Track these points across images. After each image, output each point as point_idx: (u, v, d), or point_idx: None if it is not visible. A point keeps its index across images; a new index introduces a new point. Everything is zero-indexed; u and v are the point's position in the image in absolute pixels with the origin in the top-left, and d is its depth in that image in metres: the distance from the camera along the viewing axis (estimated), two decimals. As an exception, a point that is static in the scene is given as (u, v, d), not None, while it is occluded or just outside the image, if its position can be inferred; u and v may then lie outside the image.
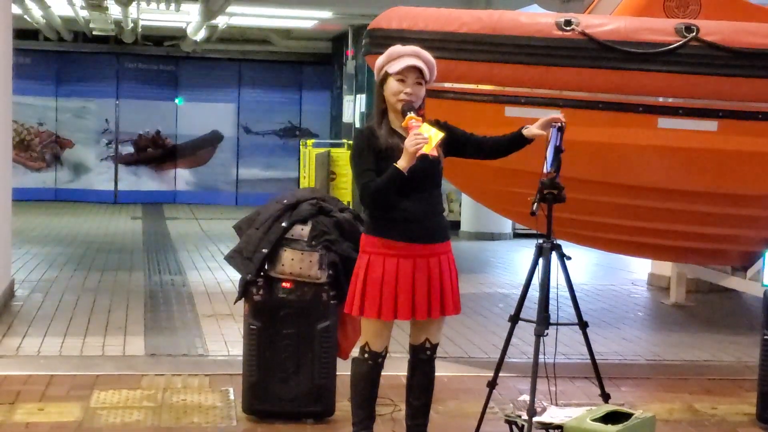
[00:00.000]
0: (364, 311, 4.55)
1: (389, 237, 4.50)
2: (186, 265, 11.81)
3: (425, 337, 4.73)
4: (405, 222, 4.49)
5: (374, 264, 4.51)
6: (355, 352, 5.09)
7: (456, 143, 4.69)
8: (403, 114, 4.43)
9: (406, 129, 4.42)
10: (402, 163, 4.35)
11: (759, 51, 7.10)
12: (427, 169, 4.48)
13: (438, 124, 4.60)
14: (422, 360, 4.78)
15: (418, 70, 4.49)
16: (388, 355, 4.73)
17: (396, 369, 6.51)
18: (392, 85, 4.48)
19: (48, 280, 10.29)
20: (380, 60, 4.56)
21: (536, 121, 4.81)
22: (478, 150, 4.81)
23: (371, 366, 4.64)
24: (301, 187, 17.79)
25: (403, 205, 4.47)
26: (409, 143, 4.31)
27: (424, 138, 4.32)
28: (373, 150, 4.46)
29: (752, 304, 9.89)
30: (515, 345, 6.34)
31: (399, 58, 4.51)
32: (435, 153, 4.40)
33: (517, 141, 4.79)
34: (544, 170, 4.99)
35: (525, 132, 4.77)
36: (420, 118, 4.40)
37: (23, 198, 17.96)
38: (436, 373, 6.59)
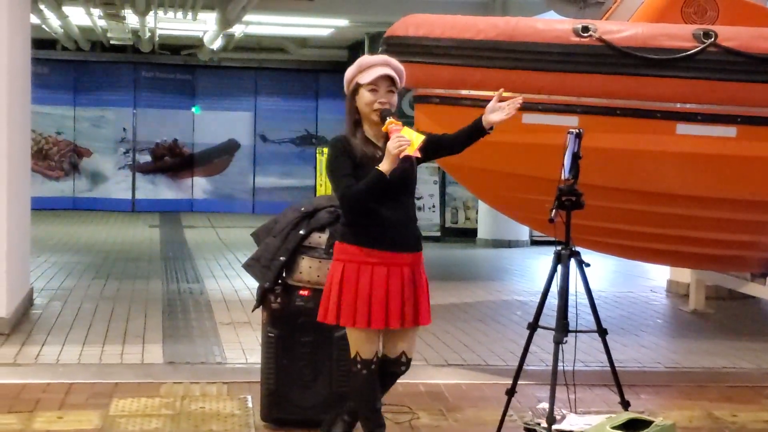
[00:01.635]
0: (340, 319, 4.52)
1: (364, 245, 4.46)
2: (203, 273, 11.83)
3: (401, 351, 4.67)
4: (381, 230, 4.46)
5: (349, 272, 4.48)
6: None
7: (430, 145, 4.59)
8: (383, 119, 4.42)
9: (384, 136, 4.41)
10: (384, 166, 4.32)
11: (777, 57, 7.08)
12: (406, 175, 4.46)
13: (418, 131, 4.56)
14: (395, 374, 4.73)
15: (389, 79, 4.49)
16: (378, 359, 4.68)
17: (415, 377, 6.52)
18: (365, 95, 4.48)
19: (66, 288, 10.32)
20: (350, 71, 4.57)
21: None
22: (438, 147, 4.69)
23: (367, 374, 4.60)
24: (317, 194, 17.82)
25: (379, 212, 4.45)
26: (392, 145, 4.29)
27: (407, 140, 4.31)
28: (350, 158, 4.45)
29: (772, 310, 9.86)
30: (534, 352, 6.32)
31: (370, 68, 4.50)
32: (418, 154, 4.38)
33: (475, 132, 4.65)
34: (562, 177, 4.98)
35: (483, 120, 4.61)
36: (400, 122, 4.39)
37: (42, 207, 18.04)
38: (455, 381, 6.63)
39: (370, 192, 4.38)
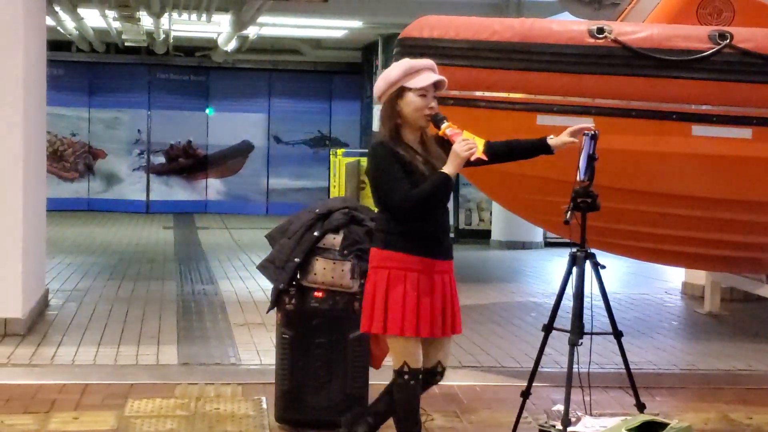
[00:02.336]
0: (387, 328, 4.43)
1: (410, 252, 4.40)
2: (217, 274, 11.85)
3: (438, 360, 4.61)
4: (425, 238, 4.42)
5: (395, 279, 4.40)
6: (387, 363, 5.09)
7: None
8: (437, 123, 4.39)
9: (422, 143, 4.40)
10: (449, 169, 4.29)
11: (794, 58, 7.05)
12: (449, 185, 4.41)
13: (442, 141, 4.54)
14: (430, 384, 4.66)
15: (434, 86, 4.46)
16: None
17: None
18: (413, 100, 4.39)
19: (81, 289, 10.35)
20: (394, 74, 4.44)
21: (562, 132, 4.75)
22: (493, 156, 4.63)
23: (414, 385, 4.49)
24: (331, 196, 17.83)
25: (426, 220, 4.42)
26: (460, 148, 4.25)
27: (474, 143, 4.29)
28: (399, 163, 4.37)
29: (787, 313, 9.82)
30: (549, 354, 6.30)
31: (418, 72, 4.43)
32: (485, 157, 4.35)
33: (535, 149, 4.75)
34: (578, 178, 4.97)
35: (551, 142, 4.70)
36: (455, 126, 4.37)
37: (57, 208, 18.09)
38: (469, 383, 6.63)
39: (433, 196, 4.34)
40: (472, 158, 4.28)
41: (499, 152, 4.69)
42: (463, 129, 4.40)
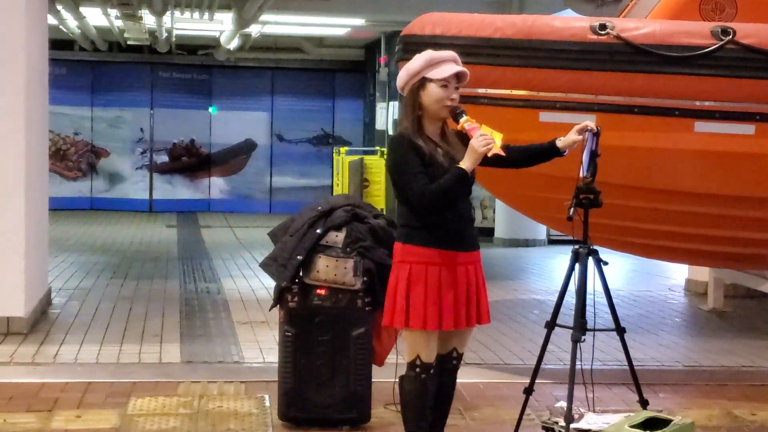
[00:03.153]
0: (409, 322, 4.41)
1: (431, 245, 4.39)
2: (221, 272, 11.85)
3: (453, 347, 4.63)
4: (445, 230, 4.40)
5: (416, 273, 4.39)
6: (390, 360, 5.09)
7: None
8: (456, 117, 4.38)
9: (441, 133, 4.38)
10: (467, 164, 4.27)
11: (796, 54, 7.03)
12: (471, 175, 4.41)
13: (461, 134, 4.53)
14: (447, 369, 4.65)
15: (457, 77, 4.44)
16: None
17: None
18: (434, 91, 4.38)
19: (84, 288, 10.35)
20: (416, 65, 4.43)
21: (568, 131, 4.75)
22: (506, 161, 4.63)
23: (424, 379, 4.49)
24: (334, 194, 17.82)
25: (447, 213, 4.40)
26: (478, 143, 4.24)
27: (491, 138, 4.26)
28: (418, 156, 4.35)
29: (791, 309, 9.81)
30: (552, 351, 6.30)
31: (440, 63, 4.42)
32: (502, 153, 4.32)
33: (547, 152, 4.74)
34: (580, 175, 4.96)
35: (559, 143, 4.70)
36: (474, 120, 4.36)
37: (59, 207, 18.11)
38: (472, 380, 6.62)
39: (452, 190, 4.32)
40: (489, 154, 4.26)
41: (514, 159, 4.69)
42: (481, 124, 4.38)
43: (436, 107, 4.40)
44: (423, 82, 4.41)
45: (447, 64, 4.42)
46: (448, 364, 4.65)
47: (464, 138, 4.44)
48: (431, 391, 4.56)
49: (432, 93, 4.40)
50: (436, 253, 4.39)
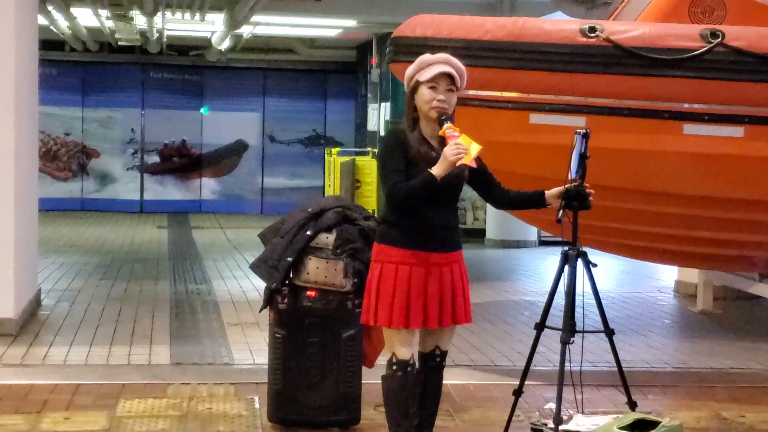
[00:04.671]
0: (377, 320, 4.51)
1: (402, 246, 4.47)
2: (211, 273, 11.84)
3: (435, 345, 4.68)
4: (419, 231, 4.46)
5: (386, 273, 4.48)
6: (380, 362, 5.10)
7: (480, 172, 4.64)
8: (440, 123, 4.40)
9: (440, 138, 4.40)
10: (437, 171, 4.31)
11: (785, 56, 7.05)
12: (452, 182, 4.46)
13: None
14: (432, 368, 4.71)
15: (449, 77, 4.47)
16: (416, 363, 4.65)
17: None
18: (424, 93, 4.45)
19: (74, 289, 10.33)
20: (411, 69, 4.54)
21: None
22: (490, 193, 4.79)
23: (401, 377, 4.55)
24: (325, 195, 17.82)
25: (421, 215, 4.45)
26: (449, 152, 4.27)
27: (464, 148, 4.28)
28: (403, 153, 4.44)
29: (780, 311, 9.83)
30: (541, 353, 6.31)
31: (430, 65, 4.49)
32: (473, 164, 4.36)
33: (532, 201, 4.80)
34: (569, 177, 4.97)
35: (547, 194, 4.75)
36: (458, 128, 4.37)
37: (50, 208, 18.08)
38: (462, 382, 6.62)
39: (418, 194, 4.37)
40: (458, 164, 4.28)
41: (498, 200, 4.83)
42: (462, 132, 4.38)
43: (425, 108, 4.45)
44: (416, 85, 4.49)
45: (434, 66, 4.47)
46: (431, 362, 4.69)
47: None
48: (411, 388, 4.60)
49: (422, 95, 4.47)
50: (407, 254, 4.46)
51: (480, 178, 4.70)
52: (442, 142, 4.45)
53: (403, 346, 4.55)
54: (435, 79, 4.44)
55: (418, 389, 4.70)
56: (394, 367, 4.55)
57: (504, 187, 4.79)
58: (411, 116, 4.53)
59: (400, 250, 4.47)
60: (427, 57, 4.54)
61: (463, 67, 4.57)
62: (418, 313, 4.46)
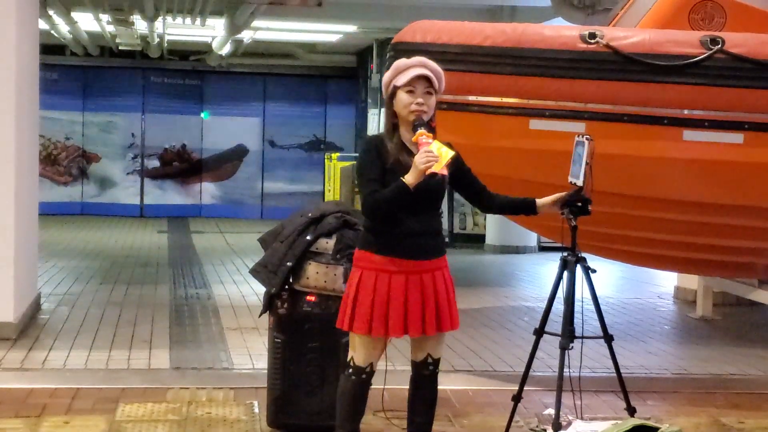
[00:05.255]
0: (354, 327, 4.48)
1: (382, 252, 4.43)
2: (211, 278, 11.84)
3: (427, 353, 4.63)
4: (400, 238, 4.42)
5: (366, 279, 4.45)
6: (379, 367, 5.09)
7: (461, 176, 4.63)
8: (414, 129, 4.38)
9: (416, 144, 4.38)
10: (409, 179, 4.27)
11: (785, 63, 7.06)
12: (431, 188, 4.41)
13: (449, 147, 4.52)
14: (425, 376, 4.67)
15: (426, 80, 4.43)
16: (374, 372, 4.63)
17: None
18: (402, 97, 4.43)
19: (74, 293, 10.33)
20: (387, 75, 4.52)
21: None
22: (475, 197, 4.76)
23: (354, 381, 4.55)
24: (325, 200, 17.82)
25: (401, 221, 4.41)
26: (419, 160, 4.24)
27: (435, 156, 4.23)
28: (381, 161, 4.41)
29: (780, 317, 9.83)
30: (540, 358, 6.31)
31: (406, 69, 4.46)
32: (444, 172, 4.29)
33: (523, 208, 4.79)
34: (570, 182, 4.98)
35: (538, 202, 4.75)
36: (431, 135, 4.33)
37: (50, 212, 18.07)
38: (461, 387, 6.63)
39: (391, 202, 4.34)
40: (427, 172, 4.24)
41: (488, 204, 4.80)
42: (434, 139, 4.35)
43: (404, 113, 4.43)
44: (394, 90, 4.47)
45: (411, 70, 4.45)
46: (424, 370, 4.65)
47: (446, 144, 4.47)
48: (362, 395, 4.60)
49: (400, 99, 4.44)
50: (387, 261, 4.43)
51: (462, 182, 4.67)
52: (415, 129, 4.41)
53: (364, 352, 4.52)
54: (412, 83, 4.41)
55: (411, 396, 4.69)
56: (350, 371, 4.56)
57: (491, 192, 4.76)
58: (390, 122, 4.50)
59: (381, 257, 4.43)
60: (402, 61, 4.51)
61: (440, 69, 4.53)
62: (397, 321, 4.42)
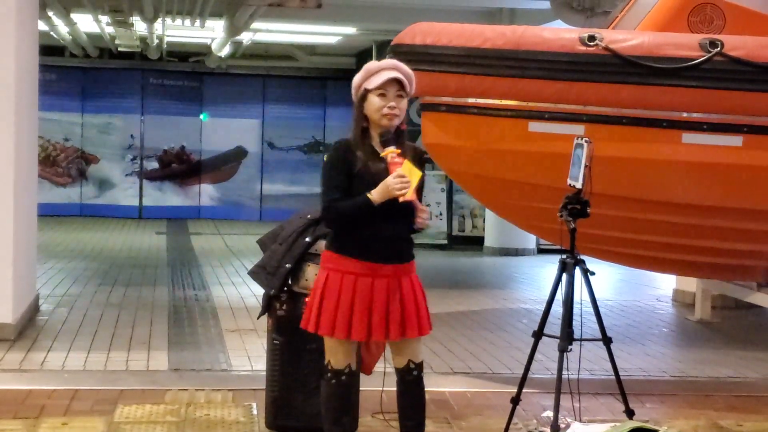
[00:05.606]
0: (319, 328, 4.47)
1: (349, 255, 4.41)
2: (210, 280, 11.84)
3: (408, 359, 4.58)
4: (368, 242, 4.40)
5: (332, 281, 4.43)
6: (378, 369, 5.10)
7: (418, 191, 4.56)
8: (383, 143, 4.37)
9: (410, 147, 4.37)
10: (376, 196, 4.27)
11: (784, 66, 7.07)
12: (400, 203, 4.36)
13: (415, 151, 4.52)
14: (410, 381, 4.62)
15: (398, 83, 4.42)
16: (354, 373, 4.62)
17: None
18: (373, 101, 4.41)
19: (73, 295, 10.33)
20: (357, 78, 4.49)
21: None
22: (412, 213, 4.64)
23: (335, 385, 4.54)
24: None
25: (371, 224, 4.37)
26: (393, 184, 4.23)
27: (407, 181, 4.23)
28: (348, 166, 4.39)
29: (778, 320, 9.84)
30: (539, 361, 6.32)
31: (378, 72, 4.44)
32: (414, 197, 4.30)
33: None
34: (569, 185, 4.99)
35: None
36: (402, 156, 4.32)
37: (48, 213, 18.05)
38: (460, 389, 6.63)
39: (353, 215, 4.35)
40: (400, 200, 4.25)
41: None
42: (404, 160, 4.33)
43: (376, 116, 4.42)
44: (365, 93, 4.45)
45: (382, 72, 4.43)
46: (408, 376, 4.61)
47: (416, 156, 4.47)
48: (345, 396, 4.59)
49: (371, 103, 4.43)
50: (355, 263, 4.41)
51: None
52: (384, 144, 4.40)
53: (339, 355, 4.51)
54: (384, 86, 4.39)
55: (400, 402, 4.65)
56: (328, 375, 4.54)
57: None
58: (360, 126, 4.49)
59: (348, 260, 4.41)
60: (373, 64, 4.50)
61: (411, 72, 4.51)
62: (361, 324, 4.40)
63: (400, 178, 4.24)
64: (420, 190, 4.50)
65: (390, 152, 4.32)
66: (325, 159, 4.55)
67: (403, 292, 4.46)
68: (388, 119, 4.39)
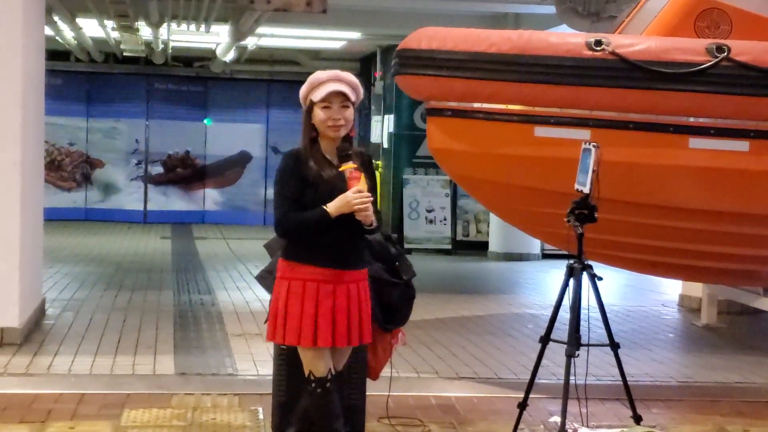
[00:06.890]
0: (285, 338, 4.47)
1: (309, 262, 4.43)
2: (215, 284, 11.84)
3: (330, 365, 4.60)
4: (326, 248, 4.42)
5: (294, 290, 4.44)
6: (384, 374, 5.10)
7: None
8: (340, 159, 4.40)
9: (339, 156, 4.39)
10: (333, 209, 4.31)
11: (791, 71, 7.06)
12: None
13: (362, 156, 4.55)
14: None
15: (342, 95, 4.44)
16: (337, 375, 4.62)
17: (426, 390, 6.53)
18: (318, 113, 4.43)
19: (78, 299, 10.34)
20: (304, 89, 4.50)
21: None
22: None
23: (321, 393, 4.54)
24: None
25: (329, 230, 4.39)
26: (353, 200, 4.28)
27: (369, 197, 4.30)
28: (299, 176, 4.41)
29: (784, 325, 9.82)
30: (546, 366, 6.31)
31: (321, 85, 4.45)
32: (372, 218, 4.35)
33: None
34: (576, 190, 4.99)
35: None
36: (359, 171, 4.36)
37: (54, 218, 18.08)
38: (466, 394, 6.63)
39: (310, 228, 4.37)
40: (357, 216, 4.28)
41: None
42: (361, 175, 4.37)
43: (323, 128, 4.44)
44: (311, 105, 4.46)
45: (326, 85, 4.44)
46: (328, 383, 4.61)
47: (365, 165, 4.49)
48: (333, 403, 4.58)
49: (317, 115, 4.44)
50: (315, 270, 4.43)
51: None
52: (342, 158, 4.42)
53: (319, 363, 4.52)
54: (328, 98, 4.41)
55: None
56: (313, 385, 4.54)
57: None
58: (309, 136, 4.49)
59: (308, 267, 4.43)
60: (318, 76, 4.50)
61: (355, 80, 4.52)
62: (326, 330, 4.43)
63: (360, 196, 4.30)
64: (372, 190, 4.52)
65: (348, 167, 4.36)
66: (277, 170, 4.54)
67: (360, 297, 4.52)
68: (333, 131, 4.43)
